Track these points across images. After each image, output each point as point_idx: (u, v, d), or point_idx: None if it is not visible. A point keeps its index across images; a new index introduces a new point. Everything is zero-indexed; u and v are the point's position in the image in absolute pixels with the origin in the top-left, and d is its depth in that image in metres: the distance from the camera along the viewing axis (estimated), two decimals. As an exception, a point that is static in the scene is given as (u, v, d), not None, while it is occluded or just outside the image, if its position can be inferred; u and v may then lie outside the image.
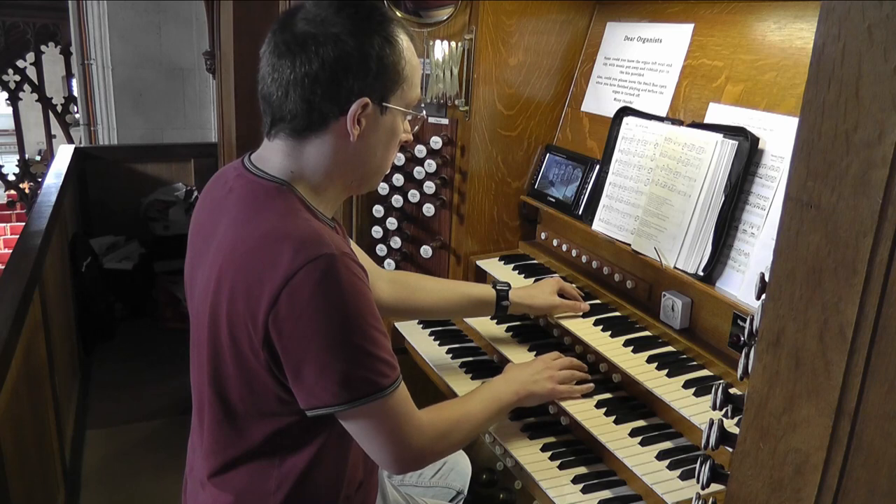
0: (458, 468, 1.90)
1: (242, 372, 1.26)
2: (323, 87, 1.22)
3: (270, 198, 1.27)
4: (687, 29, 1.85)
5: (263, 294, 1.17)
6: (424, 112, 1.47)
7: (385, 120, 1.30)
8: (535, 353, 1.81)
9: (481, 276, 2.16)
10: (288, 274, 1.15)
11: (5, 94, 6.63)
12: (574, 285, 1.91)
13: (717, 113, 1.70)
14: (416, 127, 1.45)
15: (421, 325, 2.15)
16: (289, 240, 1.18)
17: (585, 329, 1.78)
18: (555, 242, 2.13)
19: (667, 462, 1.43)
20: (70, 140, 6.75)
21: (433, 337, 2.08)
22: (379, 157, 1.34)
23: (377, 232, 2.27)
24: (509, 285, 1.85)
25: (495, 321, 1.96)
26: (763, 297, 0.80)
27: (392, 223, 2.23)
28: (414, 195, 2.19)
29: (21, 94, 6.67)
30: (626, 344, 1.69)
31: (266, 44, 1.28)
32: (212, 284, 1.25)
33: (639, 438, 1.50)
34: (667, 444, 1.49)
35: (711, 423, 0.99)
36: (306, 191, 1.30)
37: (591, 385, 1.67)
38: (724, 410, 1.02)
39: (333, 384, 1.20)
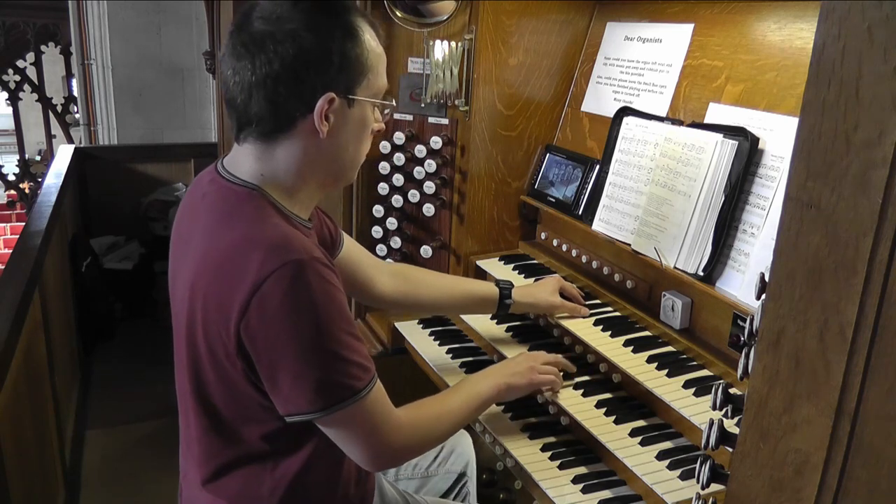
0: (459, 450, 1.87)
1: (223, 379, 1.24)
2: (286, 86, 1.19)
3: (240, 204, 1.24)
4: (687, 29, 1.85)
5: (234, 302, 1.15)
6: (395, 101, 1.44)
7: (354, 113, 1.27)
8: (535, 353, 1.81)
9: (481, 276, 2.15)
10: (257, 281, 1.14)
11: (5, 94, 6.62)
12: (574, 285, 1.91)
13: (717, 113, 1.70)
14: (388, 115, 1.41)
15: (421, 325, 2.15)
16: (257, 247, 1.16)
17: (585, 329, 1.78)
18: (555, 242, 2.13)
19: (667, 462, 1.43)
20: (70, 140, 6.74)
21: (433, 337, 2.08)
22: (352, 151, 1.32)
23: (377, 232, 2.27)
24: (512, 283, 1.85)
25: (495, 321, 1.96)
26: (763, 297, 0.80)
27: (392, 223, 2.23)
28: (414, 195, 2.19)
29: (21, 94, 6.66)
30: (627, 344, 1.69)
31: (224, 46, 1.24)
32: (187, 293, 1.24)
33: (639, 438, 1.50)
34: (667, 444, 1.49)
35: (711, 423, 0.99)
36: (278, 193, 1.28)
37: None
38: (724, 410, 1.02)
39: (309, 391, 1.18)
